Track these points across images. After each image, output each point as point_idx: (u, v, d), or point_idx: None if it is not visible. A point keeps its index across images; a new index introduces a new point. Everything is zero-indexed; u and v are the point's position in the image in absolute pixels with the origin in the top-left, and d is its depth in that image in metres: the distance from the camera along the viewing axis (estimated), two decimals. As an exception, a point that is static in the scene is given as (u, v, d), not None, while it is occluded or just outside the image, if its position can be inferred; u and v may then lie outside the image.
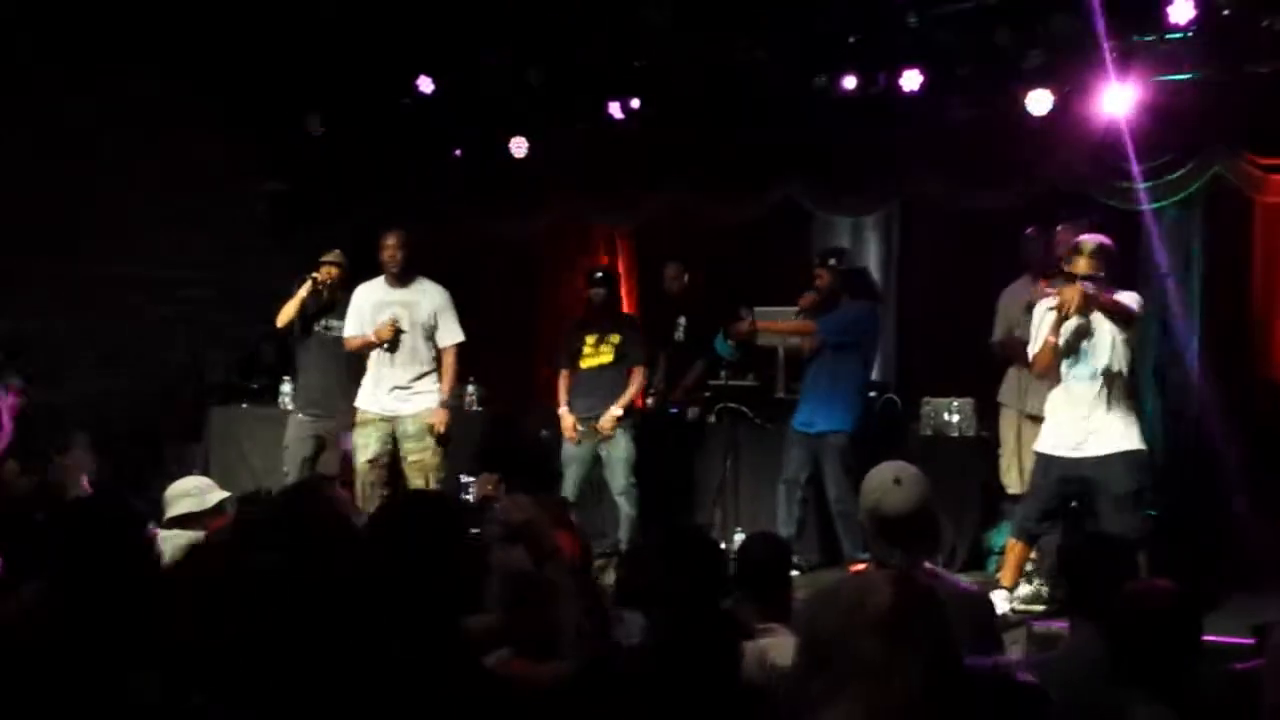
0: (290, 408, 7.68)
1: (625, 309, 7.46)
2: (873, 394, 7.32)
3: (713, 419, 7.74)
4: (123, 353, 8.37)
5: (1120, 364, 5.65)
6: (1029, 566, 6.62)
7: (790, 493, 6.85)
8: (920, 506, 3.43)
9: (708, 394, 7.86)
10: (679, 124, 7.97)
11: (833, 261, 6.93)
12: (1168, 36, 6.56)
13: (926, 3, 7.02)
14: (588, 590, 3.46)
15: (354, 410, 6.90)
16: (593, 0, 7.71)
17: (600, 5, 7.69)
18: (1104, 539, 4.91)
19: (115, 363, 8.32)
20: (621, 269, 9.37)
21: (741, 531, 6.76)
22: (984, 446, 6.92)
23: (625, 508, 7.10)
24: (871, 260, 8.84)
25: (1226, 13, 6.46)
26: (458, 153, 8.65)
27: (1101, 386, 5.64)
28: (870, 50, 7.29)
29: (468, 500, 6.94)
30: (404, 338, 6.80)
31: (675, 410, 7.91)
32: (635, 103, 8.03)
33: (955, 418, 7.08)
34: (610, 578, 5.39)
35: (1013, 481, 6.63)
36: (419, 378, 6.83)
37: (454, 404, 7.01)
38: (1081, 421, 5.67)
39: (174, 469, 7.17)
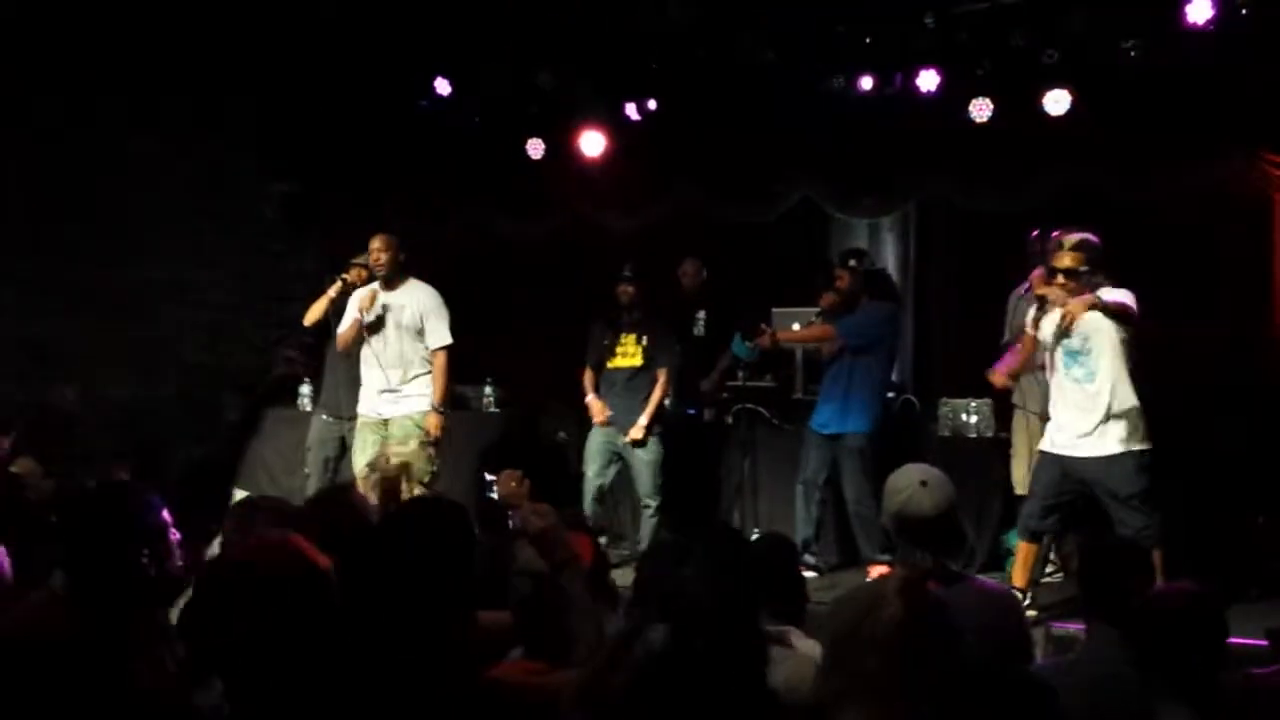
0: (309, 409, 7.70)
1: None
2: (890, 395, 7.31)
3: (730, 420, 7.73)
4: (147, 357, 8.41)
5: (1120, 364, 5.59)
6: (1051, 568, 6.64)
7: (808, 494, 6.84)
8: (946, 509, 3.46)
9: (725, 395, 7.86)
10: (695, 125, 7.97)
11: (853, 263, 6.92)
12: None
13: (943, 3, 7.01)
14: (603, 596, 3.45)
15: None
16: (609, 1, 7.71)
17: (617, 6, 7.69)
18: (1121, 542, 4.90)
19: (140, 368, 8.36)
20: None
21: (759, 532, 6.76)
22: (1002, 447, 6.90)
23: (650, 510, 7.10)
24: (889, 261, 8.83)
25: (1245, 11, 6.45)
26: (472, 154, 8.65)
27: (1101, 387, 5.59)
28: (887, 51, 7.29)
29: (493, 498, 6.92)
30: (391, 341, 6.77)
31: (693, 411, 7.90)
32: (651, 104, 8.05)
33: (973, 419, 7.06)
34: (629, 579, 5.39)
35: (1019, 481, 6.63)
36: (408, 380, 6.81)
37: (444, 408, 6.92)
38: (1082, 422, 5.63)
39: (196, 473, 7.21)
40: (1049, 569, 6.65)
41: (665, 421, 7.38)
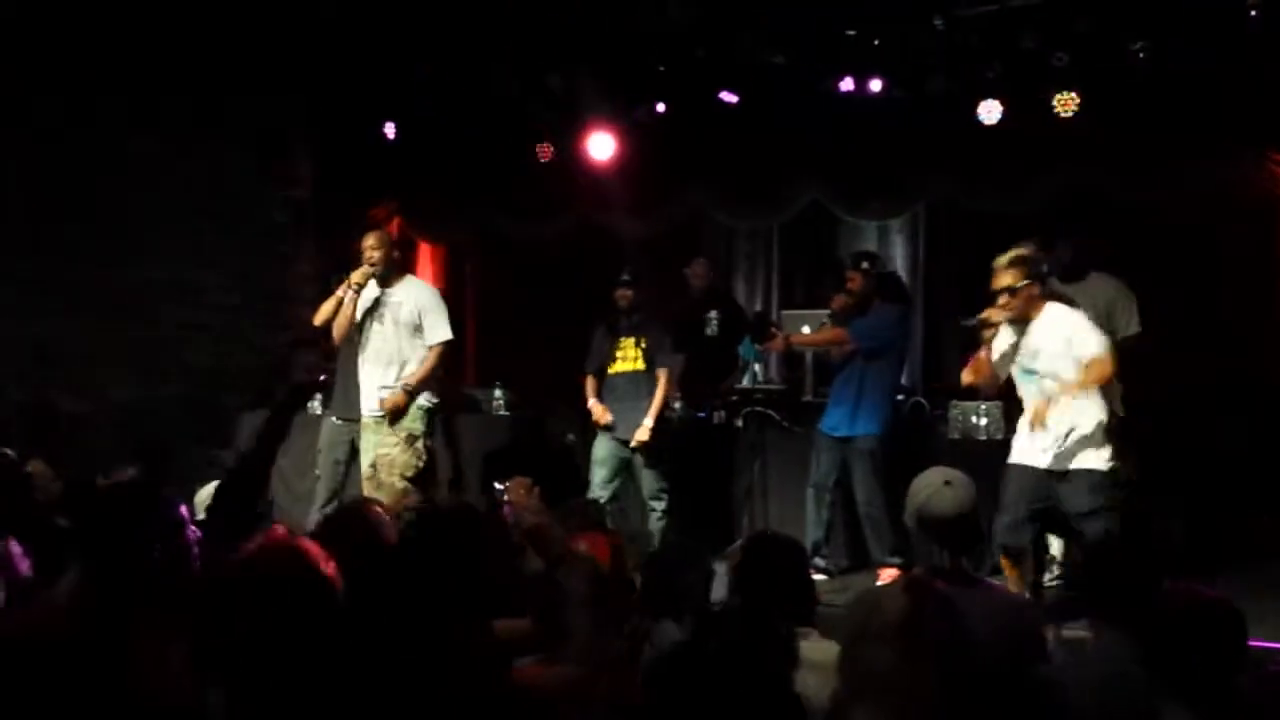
0: (320, 412, 7.71)
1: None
2: (900, 397, 7.31)
3: (740, 423, 7.73)
4: (150, 360, 8.42)
5: (1062, 366, 5.45)
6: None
7: (819, 497, 6.82)
8: (966, 511, 3.48)
9: (735, 397, 7.87)
10: (702, 128, 7.97)
11: (865, 265, 6.90)
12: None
13: (952, 5, 7.01)
14: (621, 594, 3.45)
15: None
16: (616, 4, 7.71)
17: (621, 7, 7.69)
18: (1129, 542, 4.89)
19: (141, 369, 8.37)
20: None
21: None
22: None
23: (657, 513, 7.10)
24: (898, 263, 8.84)
25: (1254, 13, 6.45)
26: (478, 156, 8.66)
27: (1060, 402, 5.46)
28: (896, 53, 7.29)
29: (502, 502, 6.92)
30: (388, 337, 6.74)
31: (703, 414, 7.90)
32: (660, 107, 8.05)
33: (983, 421, 7.05)
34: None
35: None
36: (404, 378, 6.78)
37: (434, 404, 6.86)
38: (1046, 436, 5.53)
39: (203, 475, 7.20)
40: (1057, 571, 6.64)
41: (671, 426, 7.38)
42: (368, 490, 6.80)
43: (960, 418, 7.13)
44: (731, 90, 7.61)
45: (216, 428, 8.29)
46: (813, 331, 7.37)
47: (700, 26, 7.47)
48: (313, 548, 2.48)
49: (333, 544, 2.68)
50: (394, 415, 6.67)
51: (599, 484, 7.10)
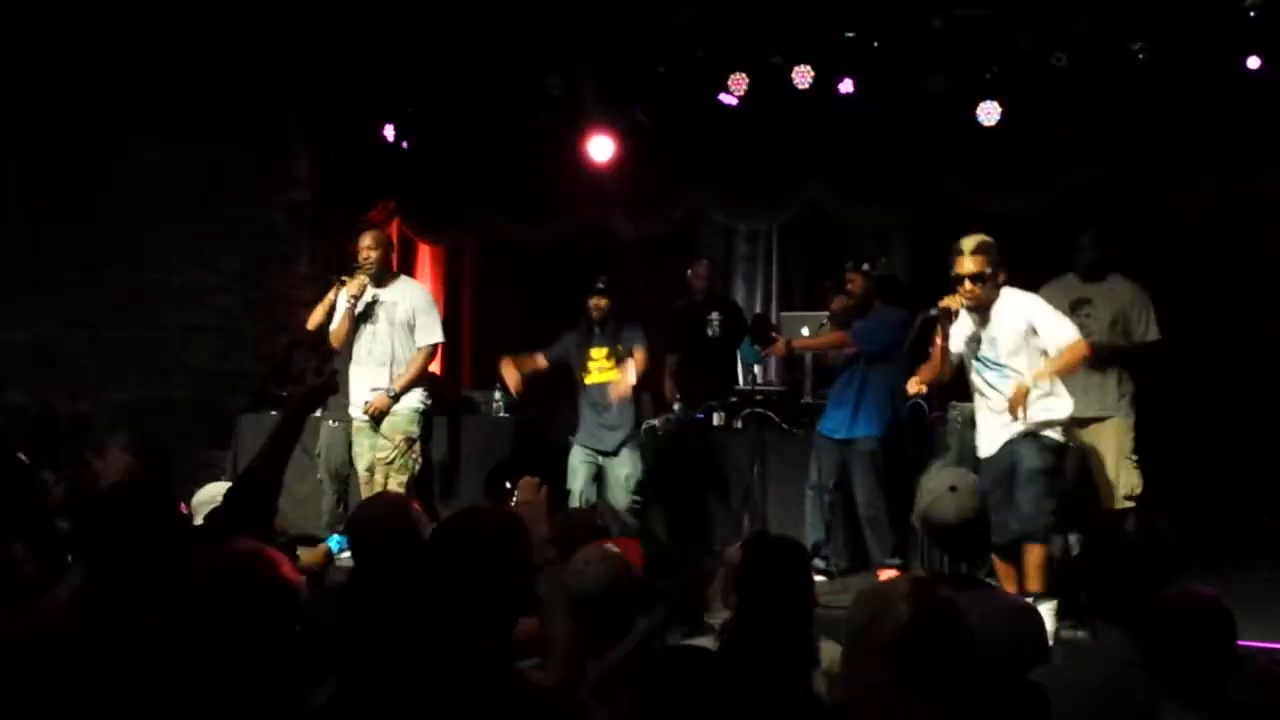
0: (317, 414, 7.70)
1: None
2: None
3: (740, 424, 7.75)
4: (151, 361, 8.43)
5: (1033, 368, 5.46)
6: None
7: (818, 498, 6.83)
8: (969, 517, 3.49)
9: (734, 399, 7.88)
10: (701, 129, 7.98)
11: (866, 267, 6.91)
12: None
13: (950, 5, 7.02)
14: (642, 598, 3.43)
15: None
16: (615, 6, 7.71)
17: (622, 10, 7.70)
18: (1129, 544, 4.91)
19: (142, 370, 8.37)
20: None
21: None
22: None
23: (627, 524, 7.06)
24: (898, 265, 8.84)
25: (1253, 14, 6.47)
26: (479, 157, 8.66)
27: (1006, 389, 5.48)
28: (894, 53, 7.29)
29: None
30: (382, 338, 6.77)
31: (701, 415, 7.91)
32: (659, 107, 8.05)
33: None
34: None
35: None
36: (397, 379, 6.80)
37: (429, 403, 6.92)
38: (995, 422, 5.56)
39: (203, 476, 7.19)
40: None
41: (656, 436, 7.37)
42: (365, 493, 6.80)
43: (960, 420, 7.13)
44: (730, 91, 7.61)
45: (217, 429, 8.29)
46: (812, 333, 7.38)
47: (700, 27, 7.46)
48: (279, 557, 2.50)
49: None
50: (378, 418, 6.70)
51: (579, 492, 7.08)
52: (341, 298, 6.83)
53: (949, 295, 5.57)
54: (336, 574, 5.06)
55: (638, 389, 7.14)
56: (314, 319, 7.09)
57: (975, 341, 5.60)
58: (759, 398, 7.79)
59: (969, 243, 5.52)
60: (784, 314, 8.97)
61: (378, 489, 6.64)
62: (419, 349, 6.83)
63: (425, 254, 10.05)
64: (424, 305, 6.88)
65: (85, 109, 7.93)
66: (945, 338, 5.64)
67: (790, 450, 7.32)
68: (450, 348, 7.35)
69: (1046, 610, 5.04)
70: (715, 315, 8.05)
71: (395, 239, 8.53)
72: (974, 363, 5.65)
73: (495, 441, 8.08)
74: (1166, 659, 2.96)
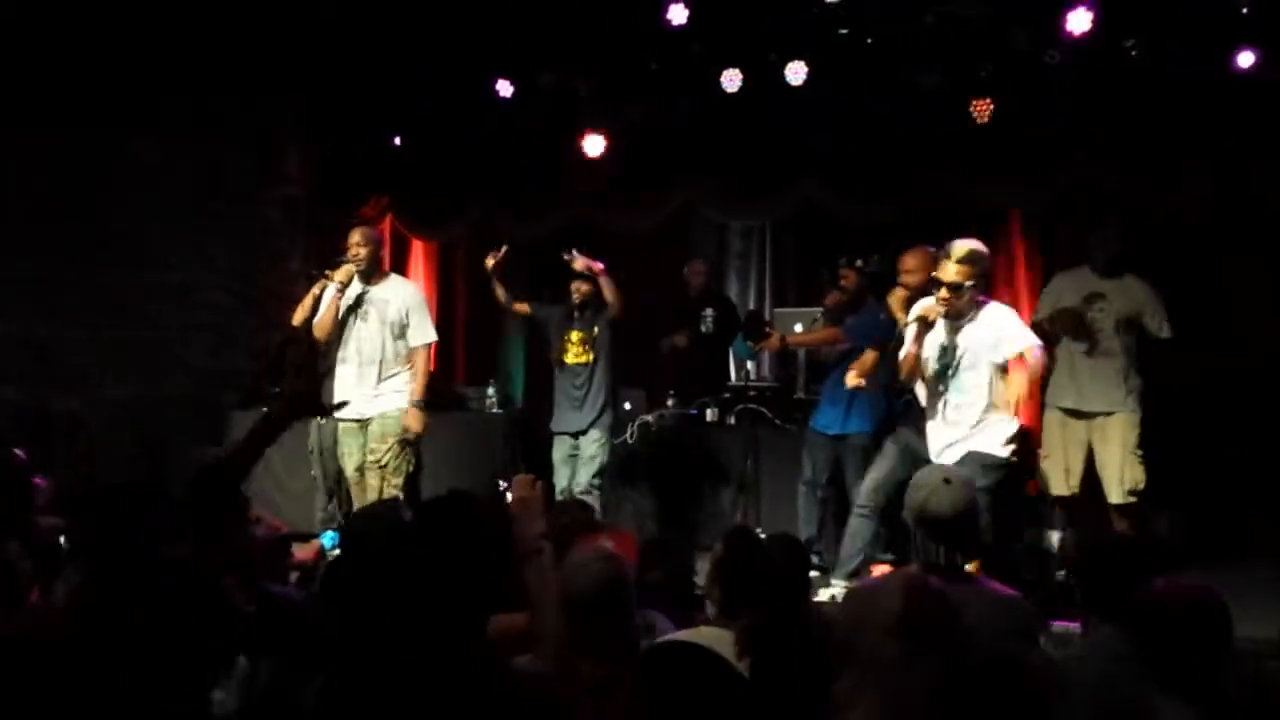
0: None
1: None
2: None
3: (733, 420, 7.76)
4: (146, 358, 8.42)
5: (993, 383, 5.47)
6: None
7: (811, 494, 6.85)
8: (965, 509, 3.50)
9: (727, 395, 7.89)
10: (694, 126, 7.98)
11: (859, 263, 6.92)
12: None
13: (944, 1, 7.03)
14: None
15: None
16: (609, 3, 7.71)
17: (616, 8, 7.70)
18: (1120, 538, 4.93)
19: (140, 369, 8.37)
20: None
21: (762, 532, 6.77)
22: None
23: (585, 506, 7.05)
24: (892, 262, 8.83)
25: (1245, 11, 6.49)
26: (476, 153, 8.66)
27: (973, 404, 5.50)
28: (886, 50, 7.30)
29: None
30: (372, 336, 6.68)
31: (694, 411, 7.93)
32: (653, 104, 8.04)
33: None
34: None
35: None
36: (388, 378, 6.71)
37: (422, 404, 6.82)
38: (946, 434, 5.56)
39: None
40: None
41: (665, 423, 7.38)
42: (355, 495, 6.75)
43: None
44: (723, 91, 7.62)
45: (212, 426, 8.29)
46: (805, 330, 7.39)
47: (696, 24, 7.46)
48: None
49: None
50: (367, 419, 6.63)
51: (562, 487, 7.11)
52: (330, 288, 6.73)
53: (929, 303, 5.53)
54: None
55: (623, 380, 7.16)
56: (299, 315, 7.03)
57: (944, 351, 5.57)
58: (752, 394, 7.82)
59: (958, 250, 5.43)
60: (777, 310, 8.99)
61: (370, 490, 6.59)
62: (414, 349, 6.74)
63: (418, 250, 10.05)
64: (415, 304, 6.80)
65: (85, 108, 7.91)
66: (919, 344, 5.59)
67: (783, 446, 7.35)
68: (443, 345, 7.32)
69: None
70: (709, 311, 8.07)
71: (388, 235, 8.52)
72: (935, 370, 5.60)
73: (489, 438, 8.09)
74: (1158, 652, 2.97)
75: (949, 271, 5.39)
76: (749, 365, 7.99)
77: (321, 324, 6.76)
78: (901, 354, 5.73)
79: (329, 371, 6.92)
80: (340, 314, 6.72)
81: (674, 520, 7.46)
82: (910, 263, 6.28)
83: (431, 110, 8.47)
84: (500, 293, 7.44)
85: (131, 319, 8.28)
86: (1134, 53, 6.72)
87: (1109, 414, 6.46)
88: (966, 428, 5.52)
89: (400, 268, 9.55)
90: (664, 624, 3.73)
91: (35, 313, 7.85)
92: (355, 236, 6.76)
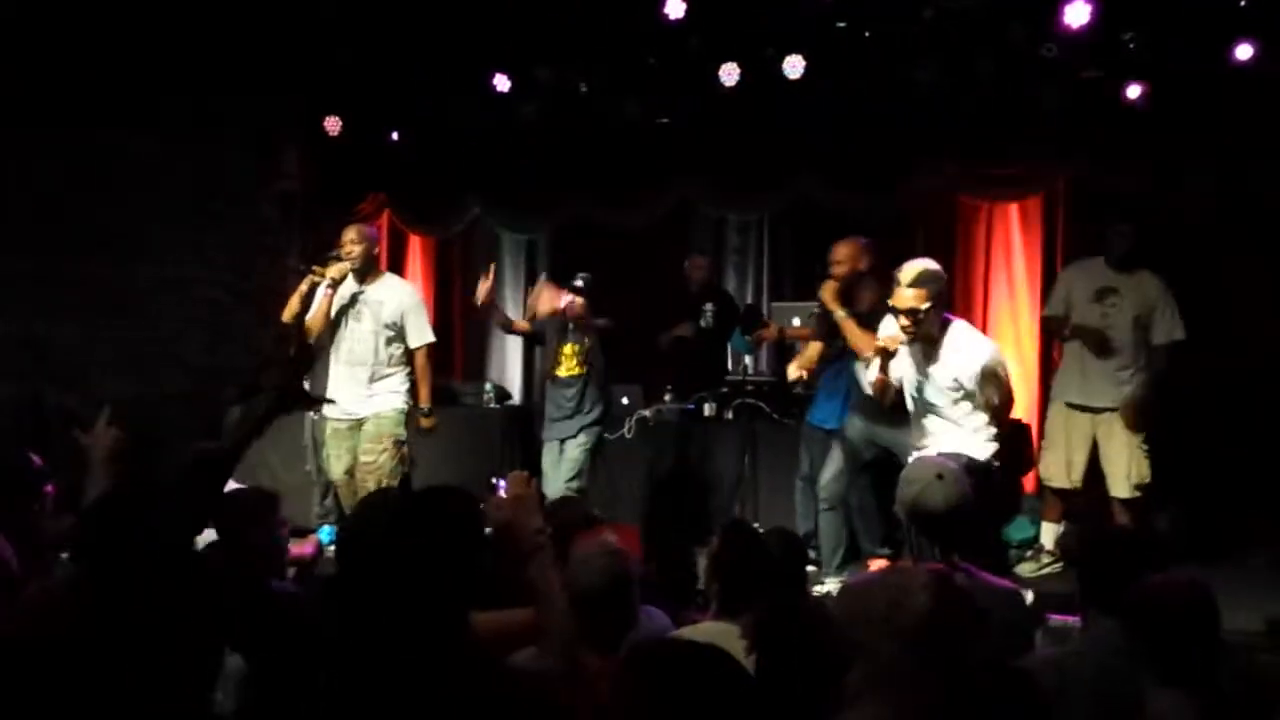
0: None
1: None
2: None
3: (730, 415, 7.76)
4: (143, 355, 8.42)
5: (968, 396, 5.29)
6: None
7: (808, 488, 6.84)
8: (958, 504, 3.50)
9: (725, 389, 7.89)
10: (691, 121, 7.98)
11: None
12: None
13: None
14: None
15: None
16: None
17: (615, 4, 7.69)
18: (1118, 533, 4.92)
19: (138, 366, 8.36)
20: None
21: (759, 526, 6.77)
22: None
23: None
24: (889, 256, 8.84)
25: (1243, 3, 6.48)
26: (473, 150, 8.66)
27: (949, 418, 5.39)
28: (884, 45, 7.30)
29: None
30: (366, 337, 6.57)
31: (692, 407, 7.93)
32: (651, 101, 8.05)
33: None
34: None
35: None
36: (380, 379, 6.61)
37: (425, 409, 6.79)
38: (928, 436, 5.46)
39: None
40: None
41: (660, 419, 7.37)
42: (345, 496, 6.67)
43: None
44: (720, 85, 7.61)
45: (209, 422, 8.28)
46: (803, 323, 7.39)
47: (694, 19, 7.45)
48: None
49: None
50: (358, 420, 6.57)
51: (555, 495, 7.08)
52: (322, 285, 6.62)
53: (890, 335, 5.36)
54: (326, 566, 5.07)
55: (620, 376, 7.17)
56: (289, 311, 6.98)
57: (920, 377, 5.40)
58: (750, 388, 7.81)
59: (906, 274, 5.17)
60: (775, 304, 8.98)
61: (362, 493, 6.46)
62: (415, 351, 6.64)
63: (415, 246, 10.05)
64: (412, 306, 6.67)
65: (85, 108, 7.90)
66: (885, 372, 5.44)
67: (781, 440, 7.35)
68: (440, 342, 7.27)
69: None
70: (709, 306, 8.07)
71: (384, 232, 8.51)
72: (913, 393, 5.46)
73: (486, 435, 8.09)
74: (1151, 644, 2.98)
75: (904, 298, 5.15)
76: (746, 360, 7.97)
77: (313, 321, 6.66)
78: (869, 379, 5.62)
79: (321, 366, 6.88)
80: (333, 313, 6.60)
81: (671, 516, 7.46)
82: (839, 253, 6.24)
83: (430, 106, 8.46)
84: (499, 319, 7.40)
85: (130, 316, 8.28)
86: (1132, 46, 6.71)
87: (1114, 409, 6.46)
88: (950, 424, 5.40)
89: (397, 263, 9.55)
90: (662, 620, 3.73)
91: (34, 311, 7.84)
92: (349, 234, 6.60)
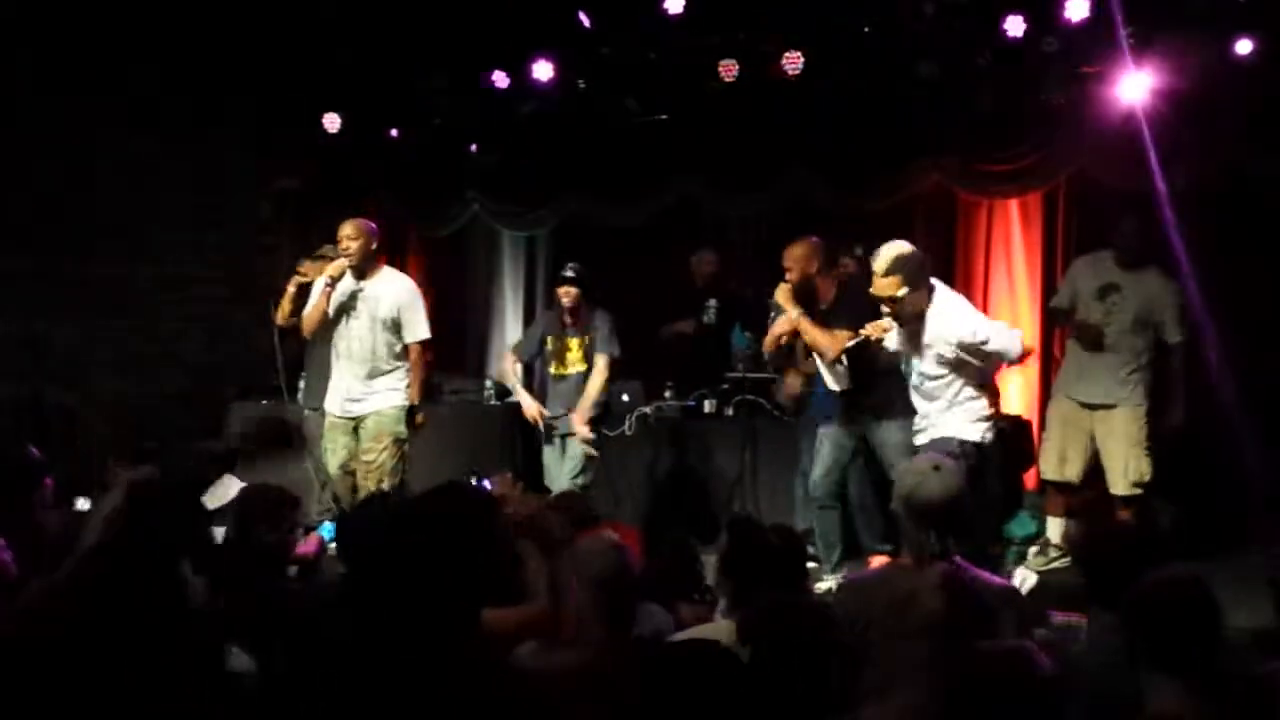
0: (300, 402, 7.66)
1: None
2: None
3: (731, 411, 7.76)
4: (141, 353, 8.42)
5: (954, 372, 5.39)
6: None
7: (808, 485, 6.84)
8: (955, 496, 3.49)
9: (725, 386, 7.88)
10: (687, 118, 7.97)
11: (859, 252, 6.91)
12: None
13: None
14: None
15: None
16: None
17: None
18: (1123, 529, 4.92)
19: (134, 363, 8.37)
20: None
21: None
22: (1000, 435, 6.89)
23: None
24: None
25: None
26: (472, 149, 8.64)
27: (938, 391, 5.46)
28: (884, 41, 7.28)
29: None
30: (363, 333, 6.51)
31: (692, 403, 7.93)
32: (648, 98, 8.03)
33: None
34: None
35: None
36: (379, 375, 6.55)
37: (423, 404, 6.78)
38: (930, 410, 5.55)
39: (199, 467, 7.17)
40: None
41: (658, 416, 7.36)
42: (342, 491, 6.64)
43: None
44: (718, 82, 7.60)
45: (209, 419, 8.29)
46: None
47: (693, 15, 7.44)
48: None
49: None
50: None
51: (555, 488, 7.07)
52: (319, 282, 6.59)
53: (873, 323, 5.49)
54: (329, 563, 5.07)
55: (621, 373, 7.19)
56: (282, 311, 6.95)
57: (915, 351, 5.51)
58: (750, 384, 7.79)
59: (880, 263, 5.27)
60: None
61: (361, 490, 6.45)
62: (410, 347, 6.58)
63: (414, 242, 10.03)
64: (409, 301, 6.58)
65: (85, 108, 7.90)
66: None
67: (781, 437, 7.35)
68: (437, 339, 7.24)
69: None
70: (712, 302, 8.06)
71: (381, 229, 8.49)
72: (907, 366, 5.59)
73: (487, 431, 8.08)
74: (1149, 640, 2.97)
75: (880, 286, 5.28)
76: (740, 364, 7.90)
77: (309, 319, 6.62)
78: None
79: (321, 363, 6.87)
80: (333, 310, 6.54)
81: (672, 512, 7.46)
82: (791, 256, 6.20)
83: (429, 105, 8.45)
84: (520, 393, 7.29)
85: (130, 316, 8.28)
86: (1131, 40, 6.69)
87: (1111, 406, 6.45)
88: (943, 404, 5.47)
89: (393, 260, 9.53)
90: (661, 617, 3.74)
91: (34, 310, 7.85)
92: (347, 229, 6.50)
